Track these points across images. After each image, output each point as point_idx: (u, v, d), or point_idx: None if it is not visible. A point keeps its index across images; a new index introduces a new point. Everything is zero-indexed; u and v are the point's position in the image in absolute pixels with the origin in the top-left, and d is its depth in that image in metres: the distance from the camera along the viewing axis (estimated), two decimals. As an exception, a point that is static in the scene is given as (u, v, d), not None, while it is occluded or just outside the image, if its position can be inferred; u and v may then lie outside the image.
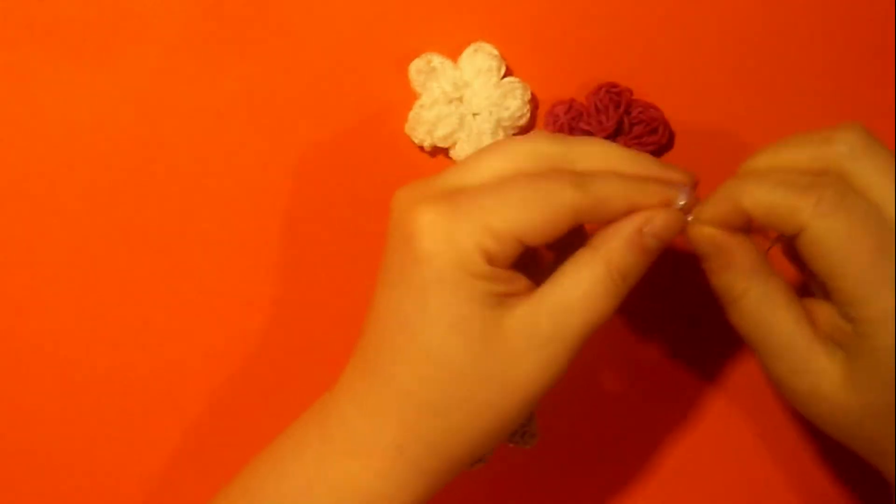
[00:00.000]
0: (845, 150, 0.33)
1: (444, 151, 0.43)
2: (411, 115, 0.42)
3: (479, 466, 0.41)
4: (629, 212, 0.33)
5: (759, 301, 0.34)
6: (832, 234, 0.32)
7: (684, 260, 0.43)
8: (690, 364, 0.44)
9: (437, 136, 0.42)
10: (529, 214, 0.32)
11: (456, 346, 0.32)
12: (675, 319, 0.44)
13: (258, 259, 0.43)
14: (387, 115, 0.43)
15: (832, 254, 0.32)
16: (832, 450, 0.43)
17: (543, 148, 0.34)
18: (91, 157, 0.42)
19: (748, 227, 0.34)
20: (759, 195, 0.33)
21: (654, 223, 0.33)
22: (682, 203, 0.34)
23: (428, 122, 0.42)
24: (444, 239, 0.32)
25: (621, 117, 0.42)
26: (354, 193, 0.43)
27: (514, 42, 0.43)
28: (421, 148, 0.43)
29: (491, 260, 0.32)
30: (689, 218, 0.35)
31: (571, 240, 0.34)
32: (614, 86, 0.42)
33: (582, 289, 0.33)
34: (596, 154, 0.34)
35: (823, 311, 0.34)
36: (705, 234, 0.34)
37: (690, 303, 0.44)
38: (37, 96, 0.42)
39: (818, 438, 0.43)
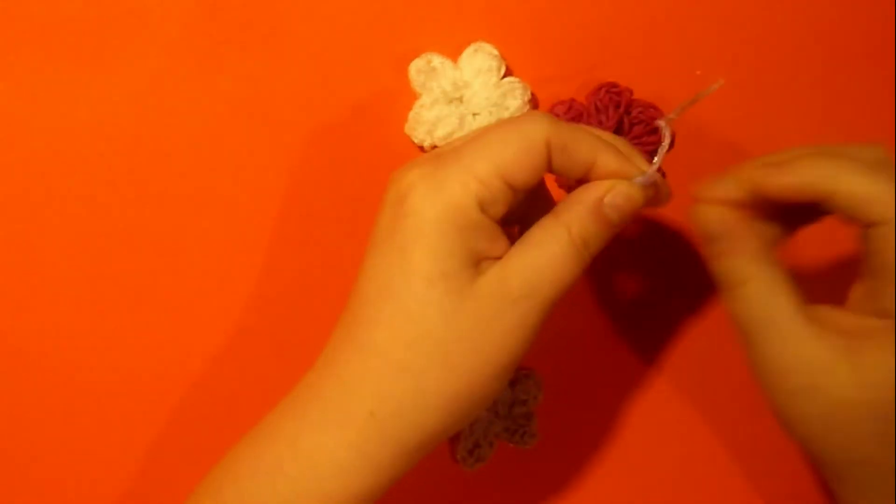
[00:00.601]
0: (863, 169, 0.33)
1: (444, 151, 0.43)
2: (411, 115, 0.42)
3: (479, 466, 0.41)
4: (592, 170, 0.34)
5: (763, 289, 0.34)
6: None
7: (686, 258, 0.43)
8: (691, 364, 0.44)
9: (437, 136, 0.42)
10: (508, 149, 0.33)
11: (433, 300, 0.32)
12: (675, 320, 0.44)
13: (257, 258, 0.43)
14: (387, 115, 0.43)
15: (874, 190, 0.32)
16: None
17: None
18: (91, 157, 0.42)
19: (760, 210, 0.35)
20: (852, 180, 0.33)
21: (614, 193, 0.34)
22: (639, 181, 0.34)
23: (428, 122, 0.42)
24: (433, 190, 0.32)
25: (621, 117, 0.42)
26: (354, 193, 0.43)
27: (514, 42, 0.43)
28: (421, 148, 0.43)
29: (482, 205, 0.32)
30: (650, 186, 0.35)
31: (538, 213, 0.35)
32: (614, 86, 0.42)
33: (547, 253, 0.33)
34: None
35: (823, 309, 0.34)
36: (713, 214, 0.35)
37: (691, 303, 0.44)
38: (37, 96, 0.42)
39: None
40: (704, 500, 0.44)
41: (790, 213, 0.36)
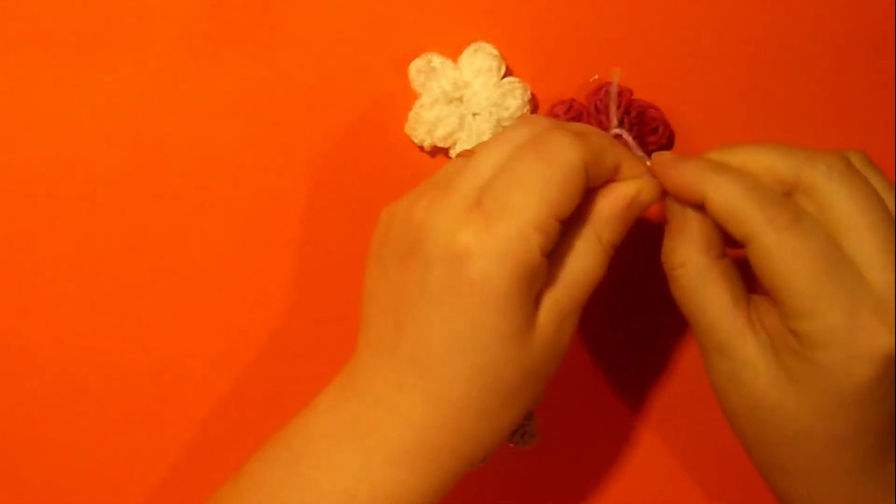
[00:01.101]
0: (823, 170, 0.33)
1: (444, 151, 0.42)
2: (411, 115, 0.42)
3: (480, 465, 0.41)
4: (614, 174, 0.35)
5: (697, 276, 0.35)
6: (782, 249, 0.32)
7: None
8: (693, 363, 0.44)
9: (437, 136, 0.42)
10: (553, 187, 0.32)
11: (509, 355, 0.33)
12: (676, 319, 0.44)
13: (255, 257, 0.43)
14: (387, 115, 0.43)
15: (779, 266, 0.33)
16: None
17: (537, 122, 0.35)
18: (91, 157, 0.42)
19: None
20: (722, 193, 0.34)
21: (643, 195, 0.35)
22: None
23: (428, 122, 0.42)
24: (498, 255, 0.32)
25: (621, 117, 0.42)
26: (354, 193, 0.43)
27: (514, 42, 0.43)
28: (421, 148, 0.43)
29: (544, 252, 0.33)
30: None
31: None
32: (614, 86, 0.42)
33: (585, 265, 0.34)
34: (576, 126, 0.36)
35: (773, 313, 0.34)
36: (671, 200, 0.36)
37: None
38: (37, 96, 0.42)
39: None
40: (705, 500, 0.44)
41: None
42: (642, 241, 0.43)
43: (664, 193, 0.36)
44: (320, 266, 0.43)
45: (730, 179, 0.34)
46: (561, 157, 0.33)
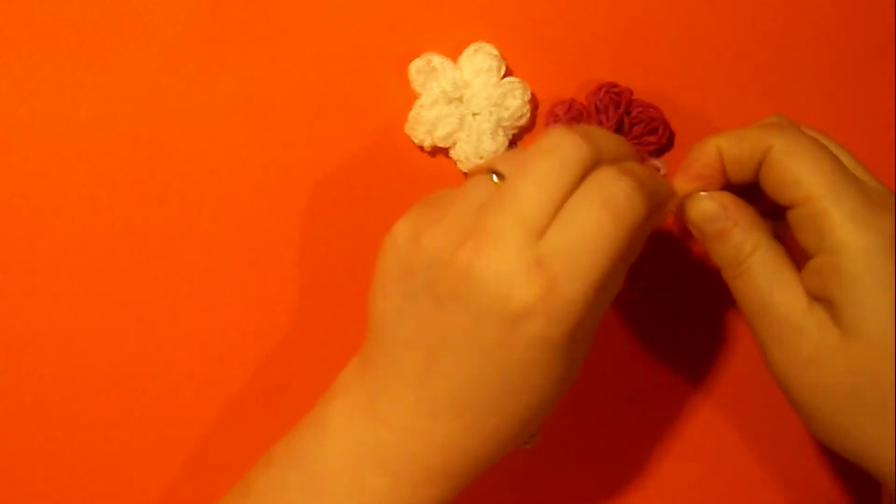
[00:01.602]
0: (776, 121, 0.36)
1: (444, 151, 0.43)
2: (411, 115, 0.42)
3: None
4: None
5: (771, 257, 0.35)
6: (799, 144, 0.34)
7: (685, 264, 0.43)
8: (692, 364, 0.44)
9: (437, 136, 0.42)
10: (619, 249, 0.32)
11: (553, 394, 0.34)
12: (676, 320, 0.44)
13: (255, 257, 0.43)
14: (387, 115, 0.43)
15: (800, 160, 0.34)
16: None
17: (576, 153, 0.33)
18: (91, 157, 0.42)
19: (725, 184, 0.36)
20: (728, 135, 0.35)
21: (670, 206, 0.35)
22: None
23: (428, 122, 0.42)
24: (562, 319, 0.31)
25: (621, 117, 0.42)
26: (354, 193, 0.43)
27: (514, 42, 0.43)
28: (421, 148, 0.43)
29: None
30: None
31: None
32: (614, 86, 0.42)
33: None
34: (615, 147, 0.35)
35: (804, 275, 0.35)
36: (707, 199, 0.36)
37: (692, 301, 0.44)
38: (37, 96, 0.42)
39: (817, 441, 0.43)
40: (705, 500, 0.44)
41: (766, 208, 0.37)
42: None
43: (695, 210, 0.36)
44: (321, 266, 0.43)
45: (791, 135, 0.35)
46: (630, 213, 0.32)
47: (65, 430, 0.42)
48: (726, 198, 0.36)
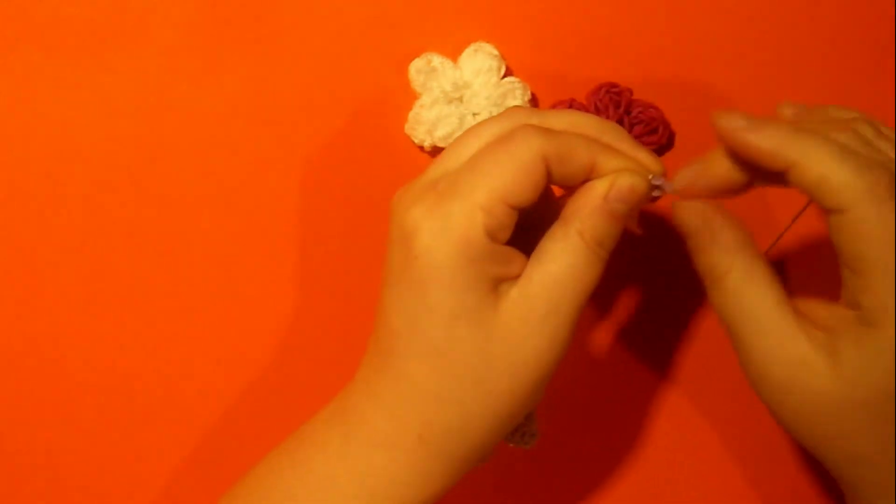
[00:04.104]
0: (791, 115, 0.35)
1: (444, 151, 0.43)
2: (411, 115, 0.42)
3: (480, 464, 0.41)
4: (593, 171, 0.34)
5: (742, 280, 0.34)
6: (881, 221, 0.31)
7: (686, 256, 0.43)
8: (691, 362, 0.44)
9: (437, 136, 0.42)
10: (505, 173, 0.32)
11: (460, 336, 0.33)
12: (675, 318, 0.44)
13: (255, 257, 0.43)
14: (387, 115, 0.43)
15: (873, 237, 0.31)
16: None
17: (515, 118, 0.35)
18: (91, 157, 0.42)
19: (737, 190, 0.35)
20: (815, 159, 0.31)
21: (617, 187, 0.34)
22: (651, 178, 0.35)
23: (428, 122, 0.42)
24: (440, 228, 0.32)
25: (621, 117, 0.42)
26: (354, 193, 0.43)
27: (514, 42, 0.43)
28: (421, 148, 0.43)
29: (490, 234, 0.32)
30: (658, 189, 0.35)
31: (547, 216, 0.35)
32: (614, 86, 0.42)
33: (566, 264, 0.33)
34: (566, 119, 0.35)
35: (806, 301, 0.34)
36: (691, 209, 0.35)
37: (691, 301, 0.44)
38: (37, 96, 0.42)
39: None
40: (705, 499, 0.44)
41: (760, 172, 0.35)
42: (641, 242, 0.43)
43: (680, 216, 0.35)
44: (321, 266, 0.43)
45: (821, 142, 0.32)
46: (519, 147, 0.33)
47: (65, 429, 0.42)
48: (710, 212, 0.34)
